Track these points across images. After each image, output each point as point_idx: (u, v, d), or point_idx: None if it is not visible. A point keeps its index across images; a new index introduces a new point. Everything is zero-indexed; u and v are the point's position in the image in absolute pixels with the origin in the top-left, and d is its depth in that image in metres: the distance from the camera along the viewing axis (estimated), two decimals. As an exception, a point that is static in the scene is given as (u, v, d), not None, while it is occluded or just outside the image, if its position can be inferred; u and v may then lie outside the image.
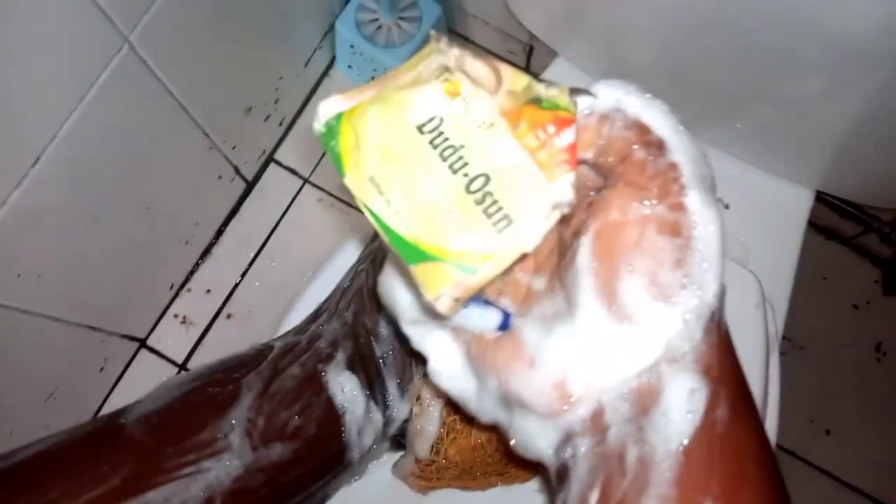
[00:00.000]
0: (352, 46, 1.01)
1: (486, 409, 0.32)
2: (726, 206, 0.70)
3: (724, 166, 0.71)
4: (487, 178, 0.25)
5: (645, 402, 0.27)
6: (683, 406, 0.27)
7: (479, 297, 0.31)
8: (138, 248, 0.89)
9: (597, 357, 0.27)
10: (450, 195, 0.25)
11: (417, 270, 0.26)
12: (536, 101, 0.26)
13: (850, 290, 1.10)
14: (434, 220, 0.25)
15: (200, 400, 0.40)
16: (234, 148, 0.95)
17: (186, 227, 0.98)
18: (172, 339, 1.02)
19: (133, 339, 1.00)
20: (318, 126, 0.26)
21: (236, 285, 1.05)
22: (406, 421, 0.49)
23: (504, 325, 0.31)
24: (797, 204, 0.71)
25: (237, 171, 1.01)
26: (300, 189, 1.07)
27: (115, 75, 0.67)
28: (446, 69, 0.26)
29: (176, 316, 1.03)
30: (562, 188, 0.25)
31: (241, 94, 0.92)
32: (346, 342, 0.46)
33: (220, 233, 1.05)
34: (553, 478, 0.31)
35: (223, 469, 0.37)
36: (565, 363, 0.28)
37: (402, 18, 0.99)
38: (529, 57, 1.08)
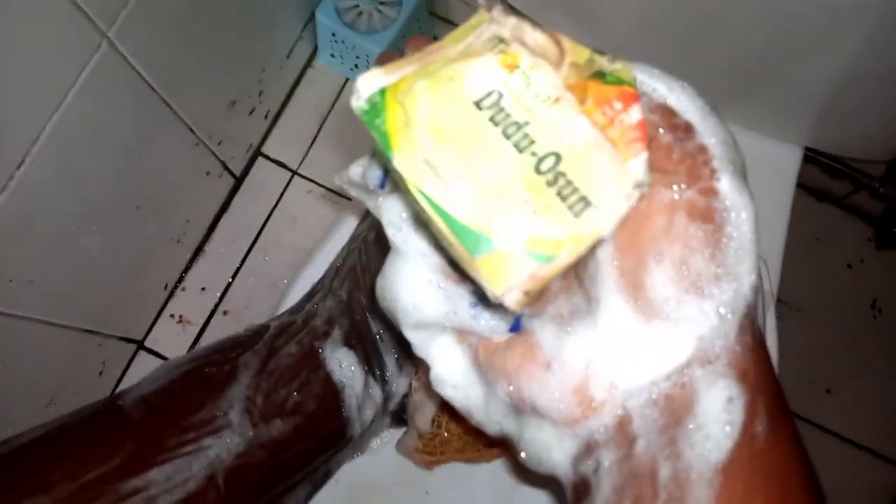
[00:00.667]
0: (333, 35, 1.00)
1: (494, 419, 0.30)
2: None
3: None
4: (558, 158, 0.23)
5: (677, 410, 0.25)
6: (721, 417, 0.24)
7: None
8: (130, 249, 0.88)
9: (622, 357, 0.25)
10: (518, 177, 0.23)
11: (481, 262, 0.23)
12: (600, 76, 0.24)
13: (844, 250, 1.10)
14: (502, 205, 0.23)
15: (198, 380, 0.40)
16: (220, 143, 0.95)
17: (177, 225, 0.98)
18: (170, 339, 1.02)
19: (130, 340, 1.00)
20: (359, 103, 0.24)
21: (231, 282, 1.04)
22: (406, 396, 0.49)
23: (515, 327, 0.29)
24: (786, 161, 0.71)
25: (225, 166, 1.00)
26: (289, 181, 1.07)
27: (95, 73, 0.67)
28: (501, 40, 0.24)
29: (172, 316, 1.03)
30: (639, 167, 0.23)
31: (224, 87, 0.92)
32: (342, 319, 0.46)
33: (211, 230, 1.05)
34: (569, 494, 0.28)
35: (224, 446, 0.37)
36: (586, 365, 0.25)
37: (382, 3, 0.99)
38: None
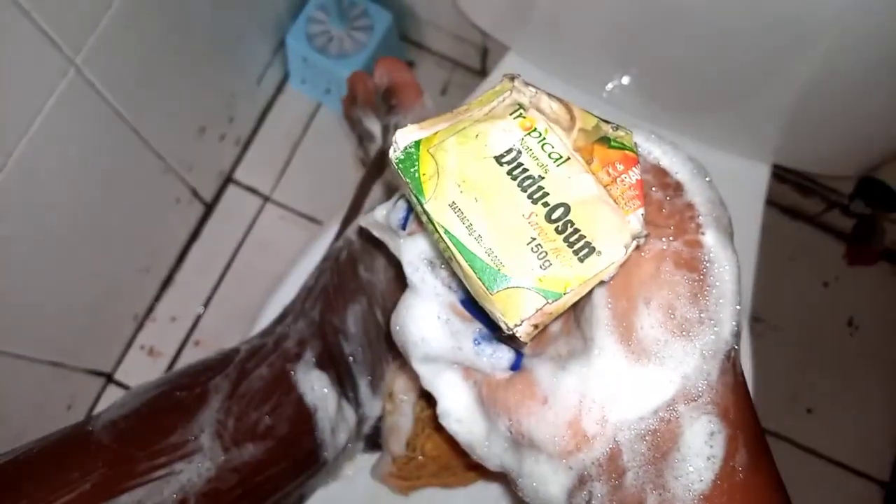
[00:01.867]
0: (304, 59, 1.00)
1: (496, 453, 0.31)
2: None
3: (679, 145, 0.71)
4: (567, 209, 0.26)
5: (663, 444, 0.26)
6: (703, 450, 0.26)
7: (490, 336, 0.31)
8: (97, 279, 0.86)
9: (612, 393, 0.27)
10: (532, 223, 0.26)
11: (498, 297, 0.26)
12: (605, 141, 0.27)
13: (819, 268, 1.11)
14: (517, 247, 0.26)
15: (168, 404, 0.39)
16: (190, 170, 0.94)
17: (146, 254, 0.96)
18: (140, 371, 0.99)
19: (99, 373, 0.98)
20: (397, 154, 0.27)
21: (202, 311, 1.03)
22: (380, 419, 0.48)
23: (515, 366, 0.31)
24: (755, 178, 0.71)
25: (195, 193, 0.99)
26: (261, 208, 1.06)
27: (62, 100, 0.66)
28: (520, 106, 0.28)
29: (142, 347, 1.01)
30: (636, 221, 0.27)
31: (193, 114, 0.91)
32: (314, 341, 0.45)
33: (181, 258, 1.03)
34: None
35: (195, 471, 0.37)
36: (580, 400, 0.27)
37: (353, 28, 0.99)
38: (484, 59, 1.09)
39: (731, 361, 0.27)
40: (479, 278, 0.26)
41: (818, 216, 1.11)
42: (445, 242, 0.27)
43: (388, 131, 0.51)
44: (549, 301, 0.26)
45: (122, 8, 0.67)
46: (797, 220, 1.12)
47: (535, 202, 0.26)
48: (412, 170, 0.27)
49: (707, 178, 0.29)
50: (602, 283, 0.27)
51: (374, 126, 0.54)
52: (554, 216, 0.26)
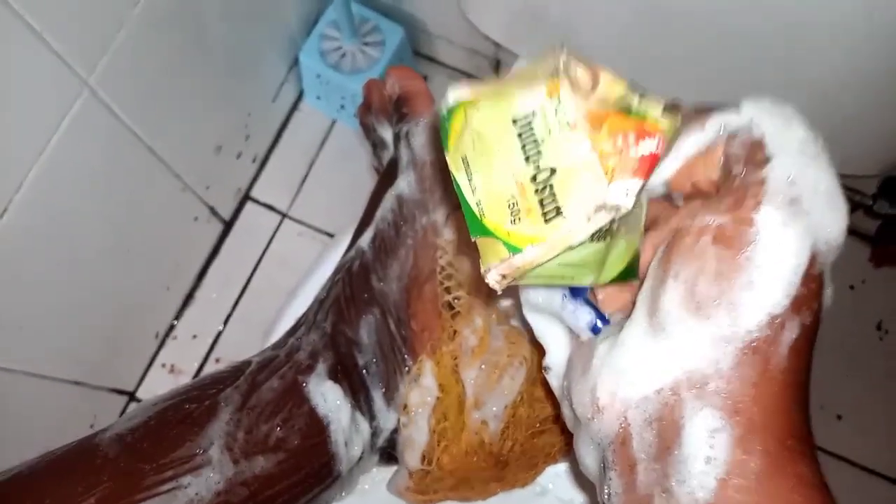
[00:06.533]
0: (318, 76, 1.01)
1: (568, 416, 0.32)
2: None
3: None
4: (553, 172, 0.27)
5: (667, 434, 0.25)
6: (703, 449, 0.24)
7: (577, 295, 0.33)
8: (118, 298, 0.87)
9: (625, 365, 0.27)
10: (517, 181, 0.27)
11: (478, 243, 0.28)
12: (626, 110, 0.27)
13: (845, 271, 1.09)
14: (498, 201, 0.28)
15: (177, 417, 0.39)
16: (208, 188, 0.95)
17: (166, 272, 0.97)
18: (162, 389, 0.98)
19: (122, 392, 0.98)
20: (442, 110, 0.29)
21: (222, 328, 1.03)
22: (394, 431, 0.47)
23: (595, 329, 0.32)
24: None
25: (213, 211, 0.99)
26: (279, 224, 1.06)
27: (77, 120, 0.66)
28: (556, 70, 0.28)
29: (164, 365, 1.01)
30: (618, 192, 0.26)
31: (209, 132, 0.91)
32: (327, 353, 0.44)
33: (201, 276, 1.04)
34: None
35: (203, 484, 0.36)
36: (600, 370, 0.28)
37: (365, 44, 0.99)
38: (497, 71, 1.09)
39: (760, 356, 0.25)
40: (468, 223, 0.28)
41: (843, 218, 1.09)
42: (456, 189, 0.29)
43: (398, 140, 0.51)
44: (511, 254, 0.27)
45: (134, 28, 0.68)
46: (821, 222, 1.10)
47: (527, 163, 0.27)
48: (446, 124, 0.29)
49: (815, 157, 0.27)
50: (570, 247, 0.27)
51: (388, 134, 0.53)
52: (539, 178, 0.27)
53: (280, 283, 1.03)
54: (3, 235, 0.63)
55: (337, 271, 0.49)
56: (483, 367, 0.47)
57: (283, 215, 1.07)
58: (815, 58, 0.55)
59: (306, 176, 1.08)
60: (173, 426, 0.38)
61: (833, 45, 0.53)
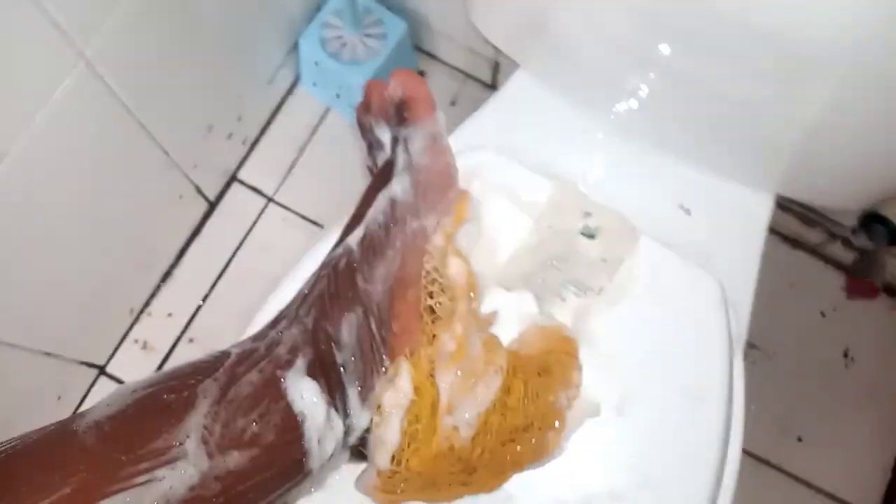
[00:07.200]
0: (316, 63, 1.01)
1: None
2: (687, 212, 0.70)
3: (685, 171, 0.71)
4: None
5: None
6: None
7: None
8: (96, 271, 0.86)
9: None
10: None
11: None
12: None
13: (817, 298, 1.11)
14: None
15: (155, 406, 0.38)
16: (195, 167, 0.94)
17: (146, 249, 0.96)
18: (132, 365, 0.99)
19: (92, 365, 0.97)
20: None
21: (198, 308, 1.03)
22: (366, 430, 0.47)
23: None
24: (757, 208, 0.71)
25: (198, 190, 0.99)
26: (264, 208, 1.06)
27: (70, 92, 0.66)
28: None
29: (136, 341, 1.01)
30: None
31: (201, 111, 0.91)
32: (306, 348, 0.44)
33: (181, 254, 1.03)
34: None
35: (178, 478, 0.36)
36: None
37: (367, 35, 0.99)
38: (495, 74, 1.09)
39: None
40: None
41: (819, 247, 1.10)
42: None
43: (397, 142, 0.51)
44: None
45: (134, 1, 0.68)
46: (798, 249, 1.12)
47: None
48: None
49: None
50: None
51: (385, 135, 0.53)
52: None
53: (260, 267, 1.03)
54: (-17, 201, 0.62)
55: (323, 267, 0.49)
56: (459, 373, 0.48)
57: (269, 199, 1.06)
58: (804, 96, 0.56)
59: (295, 162, 1.08)
60: (152, 416, 0.37)
61: (821, 83, 0.54)
